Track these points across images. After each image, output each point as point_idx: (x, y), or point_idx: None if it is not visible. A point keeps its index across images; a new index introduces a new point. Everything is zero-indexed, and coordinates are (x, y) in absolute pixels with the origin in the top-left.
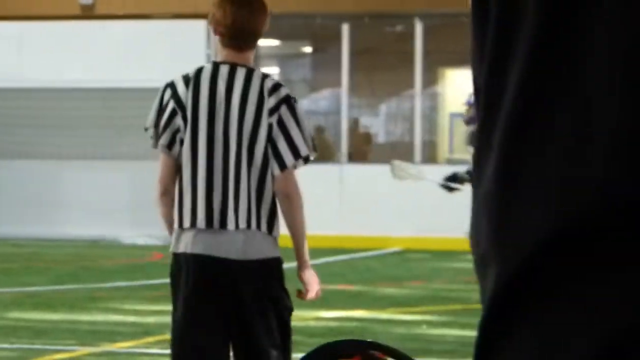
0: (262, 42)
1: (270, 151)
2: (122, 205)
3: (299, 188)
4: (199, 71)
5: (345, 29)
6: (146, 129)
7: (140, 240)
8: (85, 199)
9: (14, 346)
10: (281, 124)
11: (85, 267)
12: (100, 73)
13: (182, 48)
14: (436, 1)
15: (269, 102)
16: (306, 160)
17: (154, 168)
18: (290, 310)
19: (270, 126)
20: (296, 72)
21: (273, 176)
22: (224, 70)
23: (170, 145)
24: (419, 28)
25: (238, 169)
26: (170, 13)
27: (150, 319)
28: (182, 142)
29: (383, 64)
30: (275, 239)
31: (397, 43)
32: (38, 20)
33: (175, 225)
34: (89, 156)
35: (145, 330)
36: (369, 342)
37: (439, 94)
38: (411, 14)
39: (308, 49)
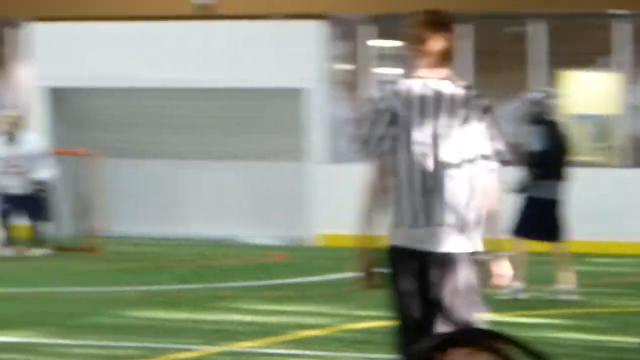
0: (384, 43)
1: (478, 155)
2: (243, 205)
3: (501, 188)
4: (407, 84)
5: (464, 30)
6: (357, 136)
7: (262, 241)
8: (207, 198)
9: (138, 344)
10: (486, 130)
11: (208, 267)
12: (219, 73)
13: (296, 49)
14: (553, 2)
15: (473, 111)
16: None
17: (273, 168)
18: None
19: (475, 132)
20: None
21: (478, 178)
22: (429, 83)
23: (385, 151)
24: (536, 29)
25: (443, 171)
26: (284, 14)
27: (272, 319)
28: (395, 148)
29: (499, 65)
30: (477, 236)
31: (514, 44)
32: (154, 20)
33: (391, 221)
34: (210, 156)
35: (267, 330)
36: (493, 332)
37: (557, 95)
38: (528, 14)
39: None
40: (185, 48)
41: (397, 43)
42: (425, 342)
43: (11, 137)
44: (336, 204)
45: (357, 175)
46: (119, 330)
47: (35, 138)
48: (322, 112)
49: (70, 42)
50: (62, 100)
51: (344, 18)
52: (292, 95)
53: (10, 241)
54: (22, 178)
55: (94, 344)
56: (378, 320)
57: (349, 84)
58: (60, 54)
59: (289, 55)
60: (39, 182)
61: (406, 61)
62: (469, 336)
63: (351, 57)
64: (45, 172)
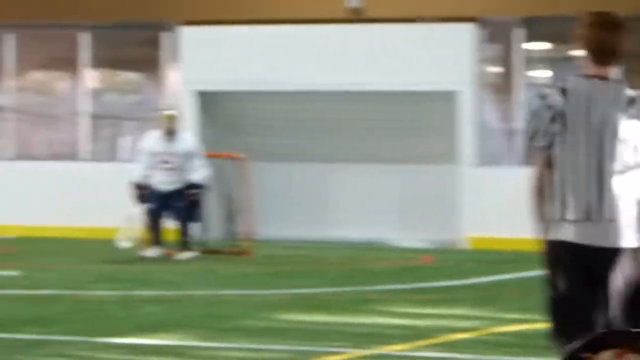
0: (533, 46)
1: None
2: (392, 208)
3: None
4: (571, 83)
5: None
6: (524, 131)
7: (411, 244)
8: (356, 201)
9: (287, 347)
10: None
11: (357, 270)
12: (368, 76)
13: (448, 52)
14: None
15: (636, 111)
16: None
17: (424, 171)
18: None
19: (636, 132)
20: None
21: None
22: (594, 83)
23: (547, 147)
24: None
25: (610, 169)
26: (436, 16)
27: (422, 322)
28: (559, 144)
29: None
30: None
31: None
32: (304, 23)
33: (554, 216)
34: (359, 159)
35: (416, 333)
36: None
37: None
38: None
39: (579, 52)
40: (337, 51)
41: (548, 46)
42: (577, 342)
43: (169, 134)
44: (485, 206)
45: (506, 178)
46: (268, 333)
47: (190, 137)
48: (472, 115)
49: (220, 45)
50: (210, 103)
51: (496, 20)
52: (443, 98)
53: (159, 242)
54: (175, 174)
55: (243, 347)
56: (527, 323)
57: (499, 87)
58: (209, 58)
59: (441, 58)
60: (193, 184)
61: (556, 63)
62: (620, 337)
63: (502, 60)
64: (200, 173)
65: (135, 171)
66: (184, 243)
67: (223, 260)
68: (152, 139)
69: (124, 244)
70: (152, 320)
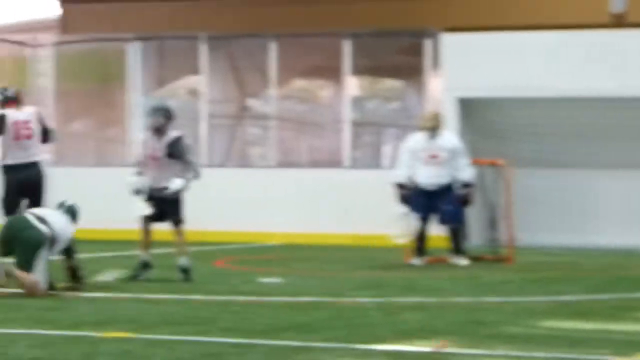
0: None
1: None
2: None
3: None
4: None
5: None
6: None
7: None
8: (618, 208)
9: (548, 355)
10: None
11: (619, 277)
12: (631, 82)
13: None
14: None
15: None
16: None
17: None
18: None
19: None
20: None
21: None
22: None
23: None
24: None
25: None
26: None
27: None
28: None
29: None
30: None
31: None
32: (568, 29)
33: None
34: (623, 165)
35: None
36: None
37: None
38: None
39: None
40: (600, 57)
41: None
42: None
43: (432, 131)
44: None
45: None
46: (529, 340)
47: (453, 136)
48: None
49: (481, 52)
50: (472, 110)
51: None
52: None
53: (424, 252)
54: (443, 169)
55: (504, 354)
56: None
57: None
58: (470, 65)
59: None
60: (463, 183)
61: None
62: None
63: None
64: (467, 172)
65: (399, 171)
66: (458, 248)
67: (484, 266)
68: (415, 139)
69: (399, 240)
70: (414, 326)
